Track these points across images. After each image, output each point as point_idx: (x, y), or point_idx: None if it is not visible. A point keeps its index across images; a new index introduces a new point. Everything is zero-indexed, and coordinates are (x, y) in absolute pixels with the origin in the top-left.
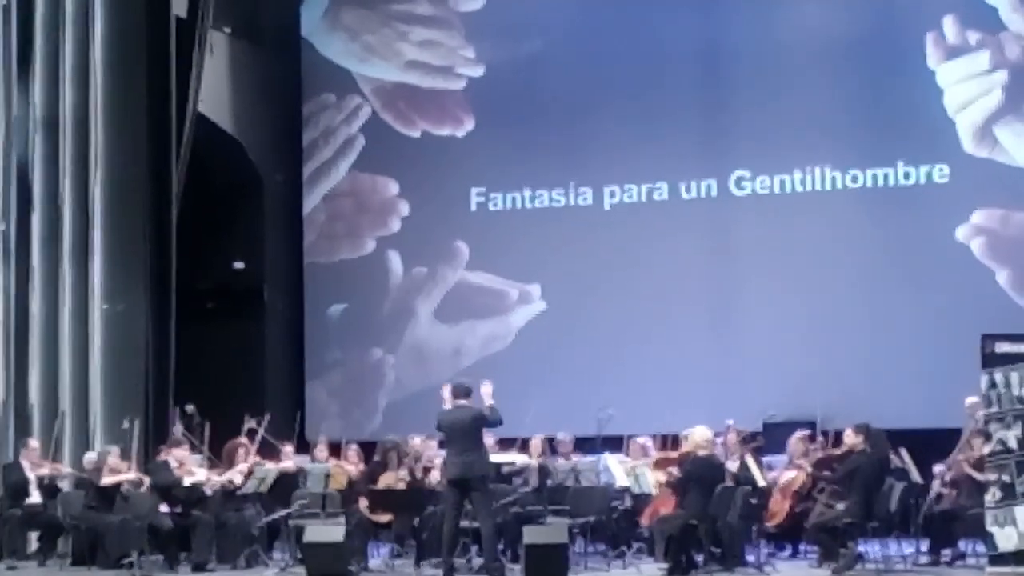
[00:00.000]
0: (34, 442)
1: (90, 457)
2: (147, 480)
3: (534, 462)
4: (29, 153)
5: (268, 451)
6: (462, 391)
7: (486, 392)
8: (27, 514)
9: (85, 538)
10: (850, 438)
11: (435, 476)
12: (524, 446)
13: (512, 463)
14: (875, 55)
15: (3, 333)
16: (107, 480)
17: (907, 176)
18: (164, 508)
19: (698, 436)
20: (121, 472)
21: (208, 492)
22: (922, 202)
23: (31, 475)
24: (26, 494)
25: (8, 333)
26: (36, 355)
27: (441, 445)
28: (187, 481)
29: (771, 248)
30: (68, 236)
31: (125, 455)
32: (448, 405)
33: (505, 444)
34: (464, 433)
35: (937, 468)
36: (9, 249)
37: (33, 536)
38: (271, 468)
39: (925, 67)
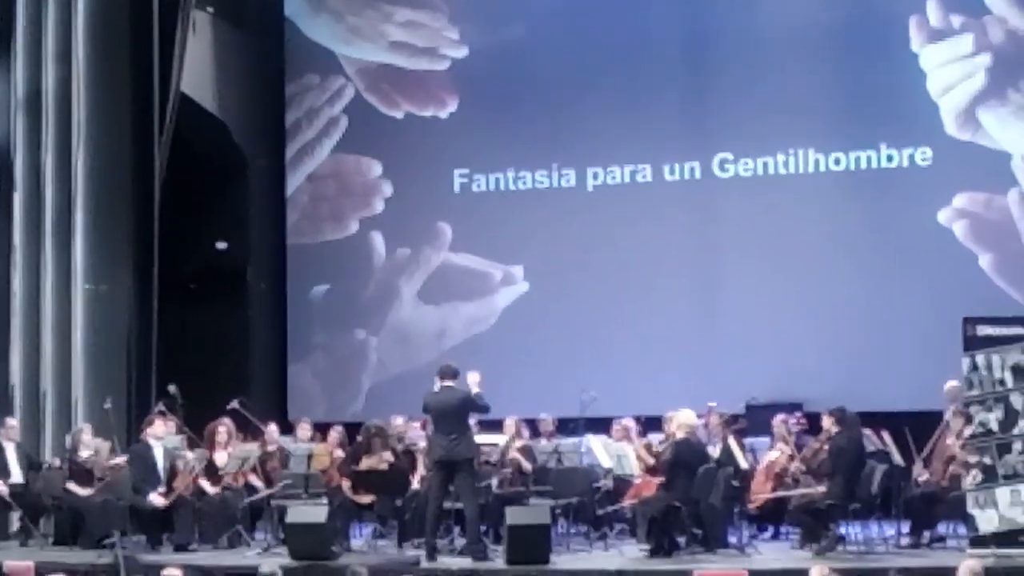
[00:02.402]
0: (13, 421)
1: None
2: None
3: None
4: (11, 132)
5: (255, 432)
6: (449, 373)
7: (473, 381)
8: (9, 494)
9: (67, 518)
10: (826, 422)
11: (417, 458)
12: (498, 427)
13: (494, 444)
14: (858, 38)
15: None
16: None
17: (890, 159)
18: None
19: (682, 418)
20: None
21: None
22: (905, 185)
23: (12, 455)
24: (7, 474)
25: None
26: (17, 335)
27: (423, 426)
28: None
29: (754, 230)
30: (50, 216)
31: (106, 435)
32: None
33: (483, 424)
34: (450, 415)
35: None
36: None
37: (15, 516)
38: (253, 448)
39: (908, 50)
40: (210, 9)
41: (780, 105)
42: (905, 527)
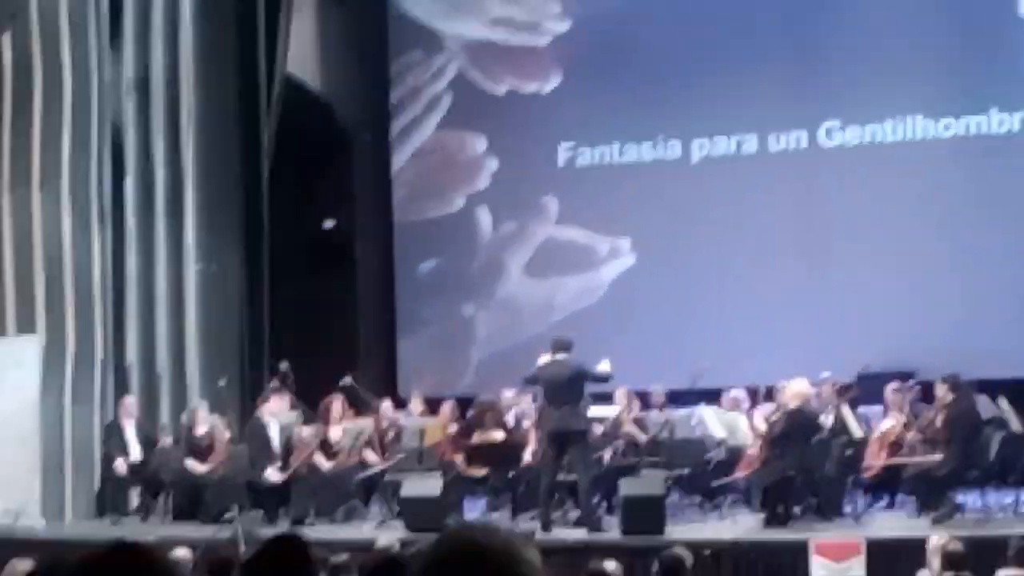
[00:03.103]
0: (131, 399)
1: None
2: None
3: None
4: (122, 114)
5: (362, 407)
6: (562, 345)
7: (605, 368)
8: (128, 471)
9: (185, 494)
10: (939, 390)
11: (529, 431)
12: (609, 399)
13: (606, 416)
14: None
15: (100, 294)
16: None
17: (1001, 124)
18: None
19: (795, 388)
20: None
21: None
22: (1017, 150)
23: (131, 433)
24: (127, 452)
25: (105, 294)
26: (132, 315)
27: (535, 399)
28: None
29: (862, 199)
30: (161, 197)
31: (222, 412)
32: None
33: (594, 396)
34: (563, 387)
35: None
36: (104, 212)
37: (134, 492)
38: (367, 424)
39: (1018, 11)
40: None
41: (887, 71)
42: None
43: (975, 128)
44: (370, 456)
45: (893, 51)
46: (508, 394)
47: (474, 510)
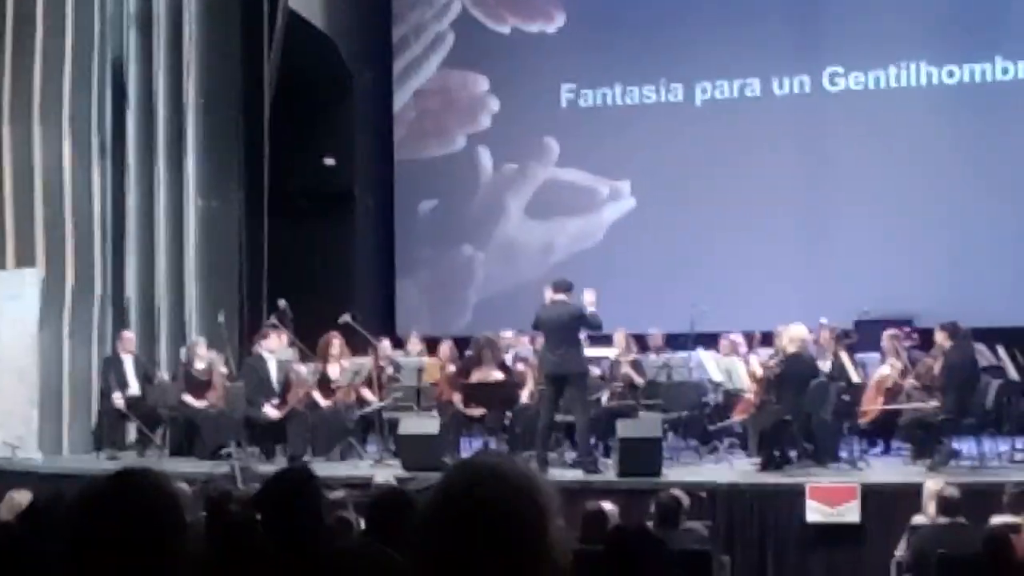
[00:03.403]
0: (130, 334)
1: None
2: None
3: (623, 356)
4: (124, 50)
5: (363, 346)
6: (563, 286)
7: (589, 300)
8: (126, 405)
9: (182, 429)
10: (938, 336)
11: (526, 371)
12: (607, 340)
13: (607, 357)
14: None
15: (100, 229)
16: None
17: (1005, 71)
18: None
19: (793, 332)
20: (210, 360)
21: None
22: (1020, 98)
23: (129, 368)
24: (125, 386)
25: (105, 229)
26: (132, 251)
27: (532, 340)
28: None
29: (865, 145)
30: (162, 133)
31: (220, 348)
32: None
33: (592, 339)
34: (562, 329)
35: None
36: (105, 146)
37: (131, 427)
38: (365, 362)
39: None
40: None
41: (892, 16)
42: (1020, 443)
43: (979, 75)
44: (368, 394)
45: None
46: (506, 335)
47: (471, 449)
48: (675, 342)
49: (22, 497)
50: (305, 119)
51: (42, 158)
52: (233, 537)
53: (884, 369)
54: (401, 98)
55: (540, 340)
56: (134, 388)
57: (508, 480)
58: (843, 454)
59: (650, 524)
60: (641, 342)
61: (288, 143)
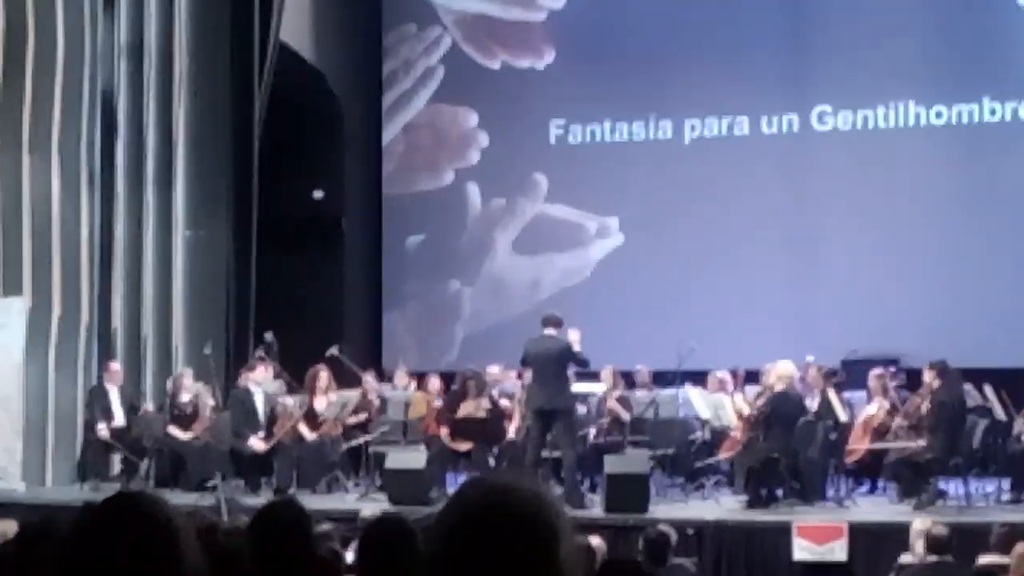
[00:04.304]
0: (116, 365)
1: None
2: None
3: (610, 392)
4: (114, 80)
5: (349, 379)
6: (552, 321)
7: (574, 338)
8: (111, 436)
9: (167, 461)
10: (927, 375)
11: (514, 407)
12: (595, 376)
13: (594, 393)
14: None
15: (87, 258)
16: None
17: (993, 112)
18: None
19: (781, 370)
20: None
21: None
22: (1008, 139)
23: (115, 398)
24: (110, 417)
25: (92, 258)
26: (119, 280)
27: (518, 376)
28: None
29: (852, 184)
30: (152, 162)
31: (206, 380)
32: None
33: (580, 374)
34: (550, 364)
35: None
36: (94, 176)
37: (116, 458)
38: (352, 395)
39: (1013, 1)
40: None
41: (881, 56)
42: (1006, 483)
43: (967, 116)
44: (354, 427)
45: (887, 37)
46: (493, 370)
47: (457, 484)
48: (662, 379)
49: (7, 527)
50: (295, 151)
51: (31, 187)
52: (223, 567)
53: (871, 408)
54: (390, 132)
55: (527, 375)
56: (119, 419)
57: (520, 498)
58: (830, 492)
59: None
60: (628, 378)
61: (277, 175)
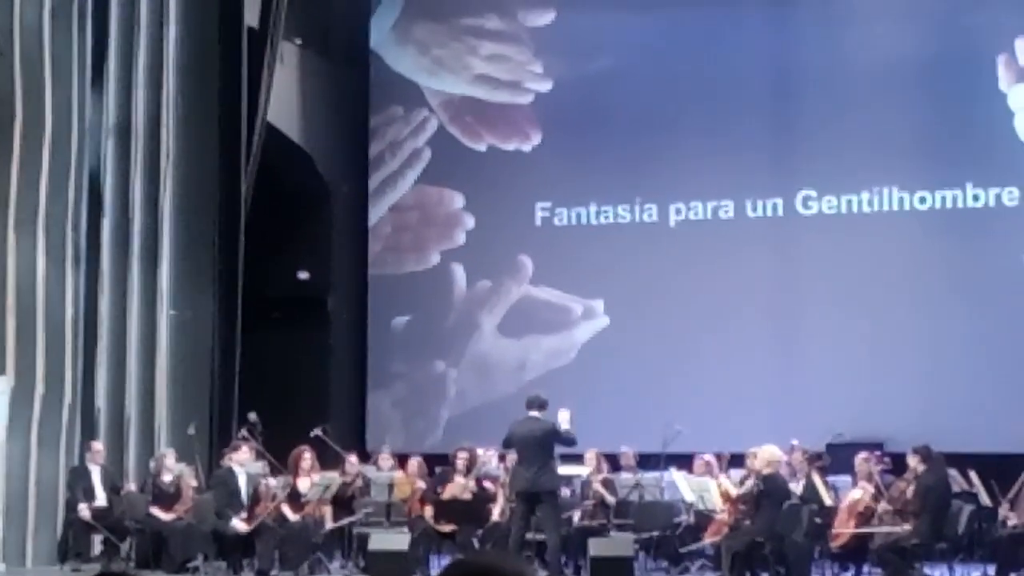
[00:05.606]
0: (99, 445)
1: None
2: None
3: (595, 475)
4: (101, 158)
5: (332, 460)
6: (536, 403)
7: (564, 418)
8: (93, 516)
9: (149, 541)
10: (911, 460)
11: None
12: (579, 459)
13: (579, 475)
14: (946, 76)
15: (71, 336)
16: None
17: (976, 198)
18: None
19: (767, 454)
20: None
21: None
22: (991, 225)
23: (97, 478)
24: (92, 497)
25: (76, 336)
26: (104, 359)
27: (501, 458)
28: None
29: (837, 268)
30: (137, 241)
31: (189, 460)
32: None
33: (564, 457)
34: (535, 446)
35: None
36: (79, 253)
37: (97, 539)
38: (335, 476)
39: (996, 89)
40: (298, 41)
41: (865, 143)
42: (991, 569)
43: (950, 202)
44: (338, 509)
45: (871, 123)
46: (478, 452)
47: (440, 566)
48: (647, 461)
49: None
50: (281, 231)
51: (15, 264)
52: None
53: (856, 492)
54: (377, 212)
55: (511, 457)
56: (101, 499)
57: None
58: None
59: None
60: (613, 461)
61: (263, 254)
